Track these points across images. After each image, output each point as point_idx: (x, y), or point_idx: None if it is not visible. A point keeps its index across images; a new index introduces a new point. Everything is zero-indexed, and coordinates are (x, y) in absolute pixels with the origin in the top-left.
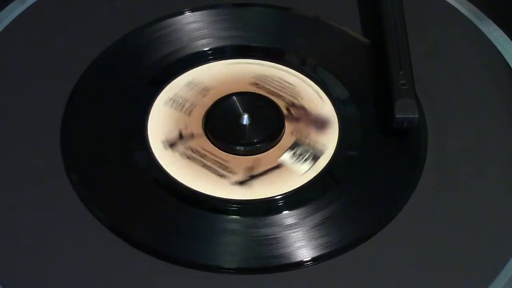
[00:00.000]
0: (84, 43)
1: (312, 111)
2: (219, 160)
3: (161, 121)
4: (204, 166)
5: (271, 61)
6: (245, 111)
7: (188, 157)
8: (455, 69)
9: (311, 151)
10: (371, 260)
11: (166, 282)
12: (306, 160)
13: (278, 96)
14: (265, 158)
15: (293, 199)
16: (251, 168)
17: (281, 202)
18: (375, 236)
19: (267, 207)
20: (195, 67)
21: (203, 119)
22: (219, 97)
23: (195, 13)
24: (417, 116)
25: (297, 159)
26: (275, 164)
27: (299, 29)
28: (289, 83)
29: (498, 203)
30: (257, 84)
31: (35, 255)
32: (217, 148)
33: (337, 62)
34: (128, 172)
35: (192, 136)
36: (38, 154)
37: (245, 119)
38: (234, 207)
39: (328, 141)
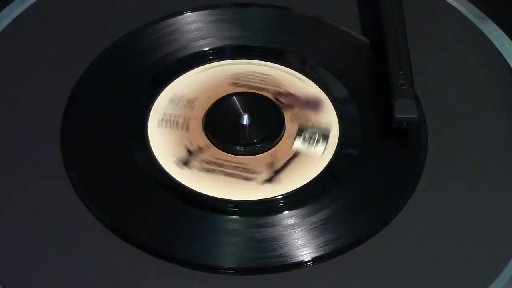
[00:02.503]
0: (84, 43)
1: (299, 94)
2: (238, 165)
3: (163, 143)
4: (227, 174)
5: (271, 61)
6: (245, 111)
7: (208, 170)
8: (455, 69)
9: (318, 131)
10: (371, 260)
11: (166, 282)
12: (318, 141)
13: (261, 89)
14: (279, 151)
15: (293, 199)
16: (271, 164)
17: (281, 202)
18: (375, 236)
19: (267, 207)
20: (195, 67)
21: (203, 119)
22: (206, 105)
23: (195, 13)
24: (416, 116)
25: (309, 143)
26: (291, 154)
27: (299, 29)
28: (265, 74)
29: (498, 203)
30: (236, 83)
31: (35, 255)
32: (230, 154)
33: (337, 62)
34: (128, 172)
35: (200, 149)
36: (38, 154)
37: (245, 119)
38: (234, 207)
39: (329, 119)
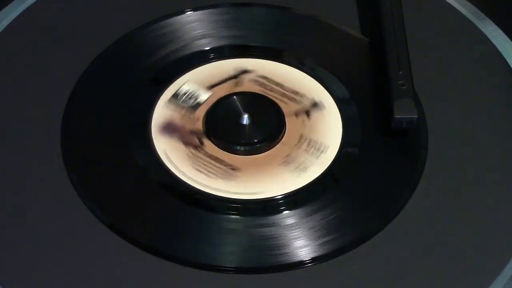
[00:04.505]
0: (85, 43)
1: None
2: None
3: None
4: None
5: (271, 61)
6: (245, 111)
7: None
8: (455, 69)
9: (193, 91)
10: (371, 260)
11: (166, 281)
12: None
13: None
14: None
15: (293, 199)
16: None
17: (281, 202)
18: (375, 236)
19: (267, 207)
20: (195, 67)
21: (203, 119)
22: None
23: (196, 12)
24: (416, 116)
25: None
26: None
27: (299, 28)
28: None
29: (498, 203)
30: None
31: (35, 255)
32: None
33: (337, 62)
34: (129, 172)
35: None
36: (38, 154)
37: (245, 119)
38: (234, 207)
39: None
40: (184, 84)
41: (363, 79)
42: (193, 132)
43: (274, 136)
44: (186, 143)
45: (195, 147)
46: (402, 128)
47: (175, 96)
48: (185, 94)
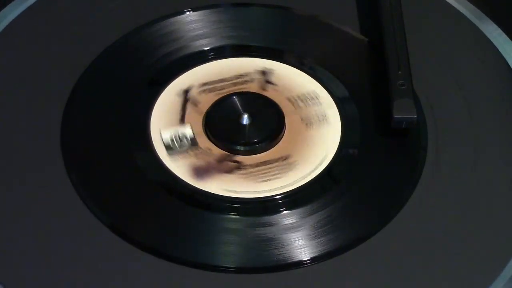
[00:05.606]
0: (84, 43)
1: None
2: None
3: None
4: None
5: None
6: (245, 111)
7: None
8: (455, 69)
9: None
10: (371, 260)
11: (166, 281)
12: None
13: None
14: None
15: (293, 199)
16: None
17: (281, 202)
18: (375, 236)
19: (267, 207)
20: (195, 67)
21: (203, 119)
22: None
23: (195, 12)
24: (415, 116)
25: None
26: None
27: (299, 29)
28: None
29: (498, 203)
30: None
31: (35, 255)
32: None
33: (337, 62)
34: (128, 172)
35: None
36: (38, 154)
37: (245, 119)
38: (234, 207)
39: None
40: (161, 133)
41: (363, 79)
42: (221, 160)
43: (274, 136)
44: (227, 172)
45: (238, 168)
46: (402, 128)
47: (169, 148)
48: (173, 140)
